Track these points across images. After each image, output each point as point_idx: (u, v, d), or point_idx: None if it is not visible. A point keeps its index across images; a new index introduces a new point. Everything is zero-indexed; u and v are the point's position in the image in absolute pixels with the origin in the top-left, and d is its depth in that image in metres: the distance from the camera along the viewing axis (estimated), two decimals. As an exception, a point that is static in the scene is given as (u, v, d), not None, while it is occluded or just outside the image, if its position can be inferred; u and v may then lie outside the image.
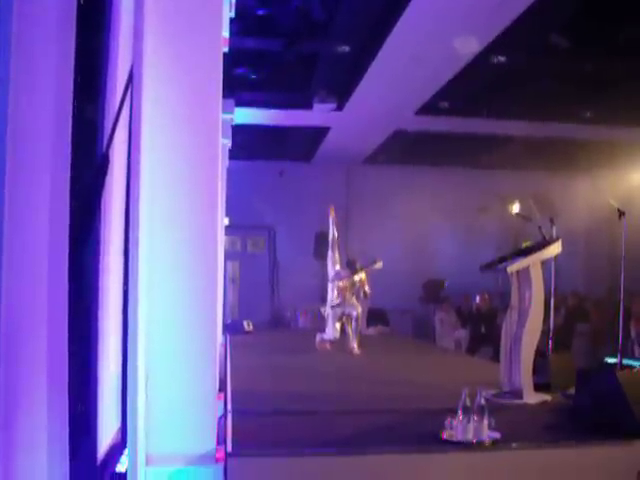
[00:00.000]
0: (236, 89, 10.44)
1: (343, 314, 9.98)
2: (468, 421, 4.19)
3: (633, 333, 10.31)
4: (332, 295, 10.17)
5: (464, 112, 12.31)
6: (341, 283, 10.09)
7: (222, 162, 8.48)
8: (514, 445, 4.22)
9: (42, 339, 2.62)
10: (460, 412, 4.22)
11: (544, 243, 6.05)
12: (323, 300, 11.37)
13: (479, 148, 14.83)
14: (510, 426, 4.45)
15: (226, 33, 5.06)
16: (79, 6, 2.93)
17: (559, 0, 7.82)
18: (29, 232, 2.57)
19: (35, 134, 2.61)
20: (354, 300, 10.10)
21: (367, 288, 10.43)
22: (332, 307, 10.05)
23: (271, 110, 12.39)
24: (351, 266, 10.30)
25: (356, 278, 10.18)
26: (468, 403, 4.24)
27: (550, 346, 7.18)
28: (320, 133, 14.13)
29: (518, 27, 8.42)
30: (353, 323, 9.82)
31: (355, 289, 10.22)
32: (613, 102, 11.15)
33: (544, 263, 5.98)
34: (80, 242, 3.31)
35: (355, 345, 9.65)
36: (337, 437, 4.49)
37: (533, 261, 5.78)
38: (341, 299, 10.04)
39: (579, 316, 12.73)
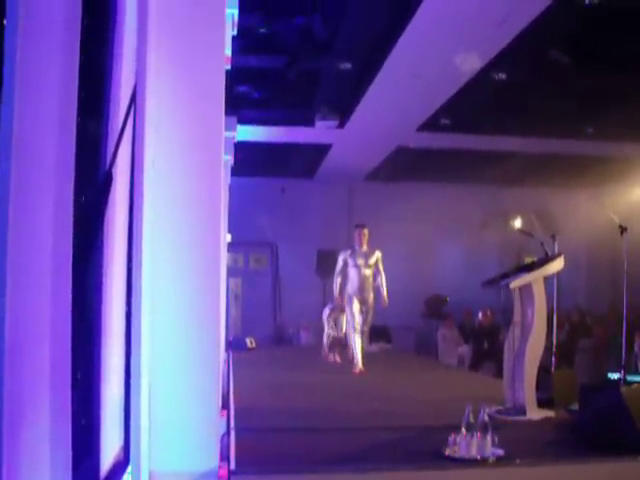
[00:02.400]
0: (238, 106, 10.47)
1: (362, 301, 9.58)
2: (471, 438, 4.18)
3: (636, 348, 10.28)
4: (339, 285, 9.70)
5: (466, 129, 12.34)
6: (360, 261, 9.60)
7: (224, 179, 8.51)
8: (517, 462, 4.21)
9: (45, 355, 2.62)
10: (463, 429, 4.22)
11: (546, 259, 6.06)
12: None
13: (481, 164, 14.84)
14: (513, 442, 4.44)
15: (228, 51, 5.09)
16: (83, 24, 2.95)
17: (560, 17, 7.85)
18: (32, 249, 2.58)
19: (38, 151, 2.62)
20: (371, 291, 9.61)
21: (381, 267, 9.77)
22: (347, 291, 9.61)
23: (273, 127, 12.43)
24: (360, 226, 9.86)
25: (372, 261, 9.63)
26: (471, 419, 4.23)
27: (553, 362, 7.18)
28: (322, 150, 14.16)
29: (519, 44, 8.46)
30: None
31: (374, 269, 9.68)
32: (615, 118, 11.17)
33: (546, 279, 5.99)
34: (83, 260, 3.32)
35: (359, 362, 9.44)
36: (339, 454, 4.49)
37: (535, 277, 5.79)
38: (358, 281, 9.57)
39: (582, 332, 12.70)
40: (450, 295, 16.04)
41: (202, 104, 3.91)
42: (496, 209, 15.32)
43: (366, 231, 9.80)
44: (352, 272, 9.69)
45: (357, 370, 9.22)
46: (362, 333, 9.59)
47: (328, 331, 10.41)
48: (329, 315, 10.85)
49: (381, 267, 9.78)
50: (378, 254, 9.77)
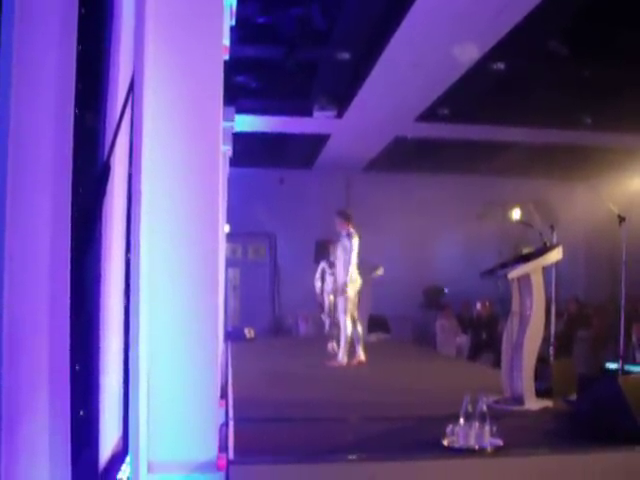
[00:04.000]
0: (237, 97, 10.45)
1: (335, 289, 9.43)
2: (470, 428, 4.19)
3: (634, 338, 10.30)
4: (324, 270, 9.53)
5: (464, 119, 12.32)
6: (338, 248, 9.38)
7: (223, 169, 8.49)
8: (516, 451, 4.22)
9: (44, 347, 2.62)
10: (462, 419, 4.22)
11: (545, 249, 6.05)
12: (323, 307, 11.35)
13: (479, 155, 14.82)
14: (512, 432, 4.45)
15: (227, 41, 5.08)
16: (80, 15, 2.94)
17: (558, 7, 7.83)
18: (31, 241, 2.58)
19: (36, 143, 2.61)
20: (340, 277, 9.29)
21: (353, 248, 9.14)
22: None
23: (271, 117, 12.41)
24: (344, 216, 9.46)
25: (355, 243, 9.14)
26: (470, 409, 4.24)
27: (551, 352, 7.19)
28: (320, 140, 14.14)
29: (517, 34, 8.44)
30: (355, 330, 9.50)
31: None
32: (613, 108, 11.15)
33: (545, 269, 5.99)
34: (81, 250, 3.31)
35: (361, 352, 9.30)
36: (338, 444, 4.49)
37: (534, 267, 5.79)
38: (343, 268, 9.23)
39: (580, 322, 12.72)
40: (448, 285, 16.07)
41: (200, 94, 3.90)
42: (494, 199, 15.30)
43: (337, 219, 9.45)
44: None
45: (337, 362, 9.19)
46: (336, 320, 9.42)
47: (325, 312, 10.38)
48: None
49: (353, 249, 9.23)
50: (352, 240, 9.27)
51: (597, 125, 12.29)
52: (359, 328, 9.47)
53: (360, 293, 9.47)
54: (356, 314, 9.44)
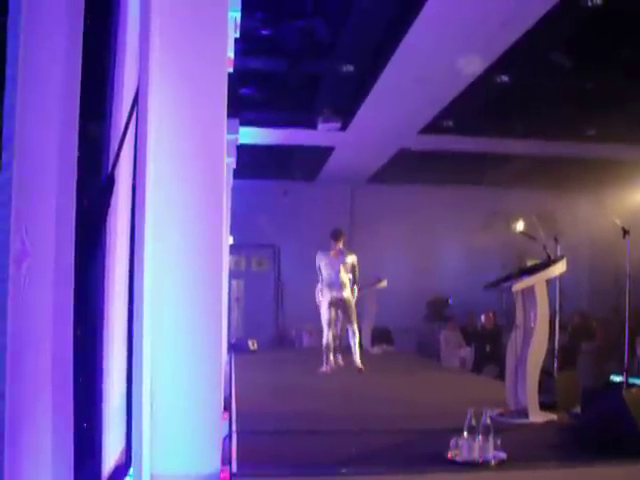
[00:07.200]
0: (241, 109, 10.47)
1: (335, 300, 9.60)
2: (474, 441, 4.17)
3: (639, 351, 10.25)
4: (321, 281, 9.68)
5: (468, 131, 12.33)
6: (332, 257, 9.69)
7: (227, 181, 8.50)
8: (520, 465, 4.20)
9: (47, 359, 2.62)
10: (465, 432, 4.21)
11: (549, 262, 6.05)
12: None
13: (483, 167, 14.83)
14: (516, 445, 4.43)
15: (231, 53, 5.10)
16: (85, 27, 2.95)
17: (561, 19, 7.84)
18: (35, 252, 2.58)
19: (41, 154, 2.61)
20: (347, 278, 9.64)
21: (357, 273, 9.94)
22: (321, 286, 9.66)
23: (275, 130, 12.42)
24: (336, 236, 9.94)
25: (348, 260, 9.80)
26: (474, 422, 4.22)
27: (555, 365, 7.17)
28: (324, 152, 14.15)
29: (521, 47, 8.46)
30: (353, 339, 9.66)
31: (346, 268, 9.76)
32: (617, 120, 11.16)
33: (549, 282, 5.98)
34: (86, 262, 3.32)
35: (358, 360, 9.49)
36: (341, 457, 4.48)
37: (538, 280, 5.78)
38: (333, 276, 9.60)
39: (584, 335, 12.67)
40: (452, 297, 16.03)
41: (204, 106, 3.91)
42: (498, 211, 15.28)
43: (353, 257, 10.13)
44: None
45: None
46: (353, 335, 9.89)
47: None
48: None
49: (357, 272, 10.17)
50: (353, 259, 10.16)
51: (601, 137, 12.29)
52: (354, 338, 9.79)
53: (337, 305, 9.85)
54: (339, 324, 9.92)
